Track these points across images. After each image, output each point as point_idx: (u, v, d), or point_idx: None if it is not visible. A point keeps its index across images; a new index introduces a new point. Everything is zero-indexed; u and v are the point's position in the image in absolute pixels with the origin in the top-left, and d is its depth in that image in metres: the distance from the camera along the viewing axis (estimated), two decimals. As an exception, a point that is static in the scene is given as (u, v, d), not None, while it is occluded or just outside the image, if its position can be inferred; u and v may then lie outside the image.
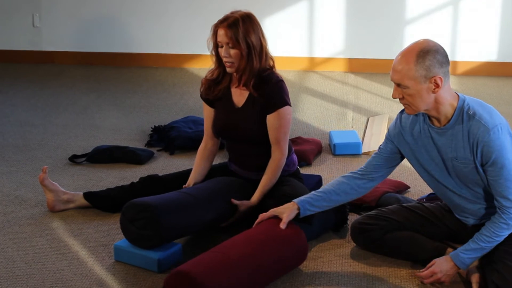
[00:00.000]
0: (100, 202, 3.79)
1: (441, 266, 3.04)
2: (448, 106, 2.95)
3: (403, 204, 3.45)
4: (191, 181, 3.62)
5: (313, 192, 3.24)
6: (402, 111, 3.16)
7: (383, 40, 6.50)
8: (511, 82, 6.19)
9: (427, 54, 2.86)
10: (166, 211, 3.21)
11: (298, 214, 3.17)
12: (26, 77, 6.45)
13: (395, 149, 3.21)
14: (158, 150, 4.69)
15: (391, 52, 6.49)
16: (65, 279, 3.15)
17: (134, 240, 3.23)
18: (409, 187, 4.07)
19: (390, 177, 4.20)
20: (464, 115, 2.94)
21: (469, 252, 3.01)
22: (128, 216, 3.22)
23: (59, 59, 6.83)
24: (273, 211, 3.18)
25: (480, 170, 2.98)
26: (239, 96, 3.60)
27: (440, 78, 2.87)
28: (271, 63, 3.59)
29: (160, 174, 3.81)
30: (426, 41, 2.91)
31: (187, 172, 3.72)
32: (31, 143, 4.82)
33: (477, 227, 3.11)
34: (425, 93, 2.88)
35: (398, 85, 2.91)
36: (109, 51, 6.80)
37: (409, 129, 3.11)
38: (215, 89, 3.61)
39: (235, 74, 3.56)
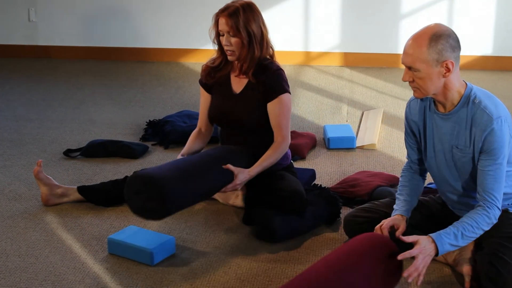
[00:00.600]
0: (94, 196, 3.80)
1: (425, 250, 2.86)
2: (455, 92, 2.97)
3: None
4: (184, 151, 3.66)
5: (402, 198, 3.18)
6: (410, 100, 3.19)
7: (378, 34, 6.50)
8: (506, 76, 6.20)
9: (439, 38, 2.87)
10: (171, 183, 3.19)
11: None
12: (22, 71, 6.45)
13: (414, 137, 3.21)
14: (152, 144, 4.70)
15: (387, 46, 6.51)
16: (58, 273, 3.17)
17: (139, 212, 3.21)
18: (402, 181, 4.07)
19: (384, 171, 4.23)
20: (469, 103, 2.96)
21: (450, 236, 2.89)
22: (133, 188, 3.19)
23: (55, 54, 6.83)
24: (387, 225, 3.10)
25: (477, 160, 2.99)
26: (238, 83, 3.64)
27: (451, 62, 2.89)
28: (271, 51, 3.63)
29: (154, 168, 3.83)
30: (439, 25, 2.93)
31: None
32: (26, 137, 4.83)
33: None
34: (435, 77, 2.90)
35: (409, 68, 2.93)
36: (105, 46, 6.80)
37: (417, 115, 3.13)
38: (215, 75, 3.66)
39: (236, 62, 3.59)
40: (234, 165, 3.45)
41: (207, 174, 3.36)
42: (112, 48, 6.79)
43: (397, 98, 5.65)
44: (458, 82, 2.96)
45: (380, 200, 3.44)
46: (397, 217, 3.13)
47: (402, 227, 3.11)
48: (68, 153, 4.50)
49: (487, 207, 2.94)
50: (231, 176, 3.42)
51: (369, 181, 3.93)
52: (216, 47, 3.62)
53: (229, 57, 3.56)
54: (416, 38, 2.92)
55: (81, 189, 3.82)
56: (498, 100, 3.01)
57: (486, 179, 2.95)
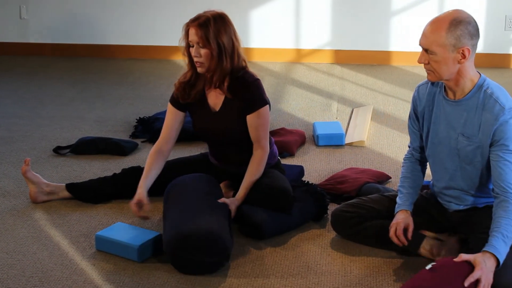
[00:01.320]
0: (82, 194, 3.81)
1: (487, 271, 2.78)
2: (468, 80, 3.00)
3: (384, 194, 3.48)
4: (142, 189, 3.45)
5: (405, 191, 3.22)
6: (419, 85, 3.22)
7: (369, 31, 6.52)
8: (496, 73, 6.22)
9: (459, 24, 2.90)
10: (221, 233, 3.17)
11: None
12: (13, 69, 6.45)
13: (418, 122, 3.24)
14: (142, 142, 4.70)
15: (378, 43, 6.53)
16: (45, 269, 3.18)
17: (197, 268, 3.14)
18: (390, 178, 4.10)
19: (372, 167, 4.25)
20: (482, 92, 2.99)
21: (500, 243, 2.83)
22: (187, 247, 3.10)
23: (46, 51, 6.83)
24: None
25: (484, 151, 3.01)
26: (215, 99, 3.59)
27: (468, 49, 2.92)
28: (244, 64, 3.56)
29: (143, 166, 3.82)
30: (460, 12, 2.96)
31: (169, 165, 3.72)
32: (16, 134, 4.83)
33: (458, 213, 3.17)
34: (450, 62, 2.93)
35: (426, 50, 2.95)
36: (97, 43, 6.80)
37: (426, 99, 3.16)
38: (190, 93, 3.57)
39: (206, 74, 3.55)
40: (218, 194, 3.48)
41: (221, 212, 3.35)
42: (103, 46, 6.79)
43: (387, 95, 5.67)
44: (472, 71, 3.00)
45: (368, 196, 3.46)
46: (403, 215, 3.16)
47: (411, 225, 3.15)
48: (58, 150, 4.50)
49: (510, 198, 2.93)
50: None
51: (357, 178, 3.95)
52: (186, 60, 3.55)
53: (198, 69, 3.47)
54: (436, 22, 2.94)
55: (69, 187, 3.82)
56: (508, 94, 3.05)
57: (503, 170, 2.95)
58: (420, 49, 3.00)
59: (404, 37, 6.47)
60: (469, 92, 3.00)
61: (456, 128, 3.06)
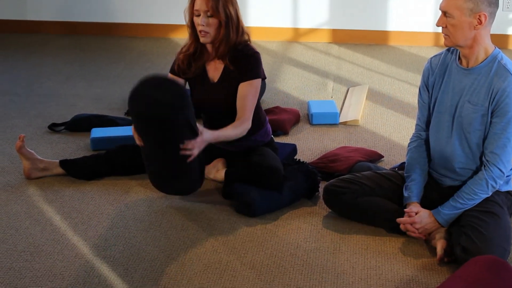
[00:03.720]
0: (75, 170, 3.83)
1: (422, 218, 3.14)
2: (482, 48, 3.06)
3: (378, 171, 3.50)
4: None
5: (417, 181, 3.27)
6: (432, 57, 3.29)
7: (367, 11, 6.50)
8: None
9: None
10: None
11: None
12: (10, 46, 6.45)
13: (428, 93, 3.29)
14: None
15: (375, 23, 6.51)
16: (37, 244, 3.21)
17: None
18: (382, 156, 4.11)
19: (366, 146, 4.26)
20: (495, 63, 3.05)
21: (448, 208, 3.13)
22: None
23: (44, 29, 6.83)
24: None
25: (486, 120, 3.07)
26: (214, 71, 3.62)
27: (484, 15, 2.99)
28: (246, 37, 3.60)
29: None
30: None
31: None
32: (12, 111, 4.85)
33: (452, 189, 3.20)
34: (466, 27, 2.99)
35: (444, 13, 3.01)
36: (95, 21, 6.80)
37: (438, 68, 3.21)
38: (193, 66, 3.59)
39: (211, 46, 3.57)
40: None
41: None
42: (102, 24, 6.79)
43: (383, 74, 5.67)
44: (488, 40, 3.07)
45: (362, 173, 3.48)
46: (416, 207, 3.19)
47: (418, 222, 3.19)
48: (53, 127, 4.52)
49: (486, 170, 3.08)
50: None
51: (349, 156, 3.96)
52: (189, 31, 3.56)
53: (201, 39, 3.49)
54: None
55: (63, 163, 3.85)
56: None
57: (495, 141, 3.06)
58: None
59: (402, 17, 6.45)
60: (483, 61, 3.07)
61: (464, 95, 3.11)
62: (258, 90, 3.58)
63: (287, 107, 4.81)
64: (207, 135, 3.35)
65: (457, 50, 3.16)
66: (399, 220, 3.18)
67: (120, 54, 6.25)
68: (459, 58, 3.15)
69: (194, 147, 3.24)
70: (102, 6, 6.75)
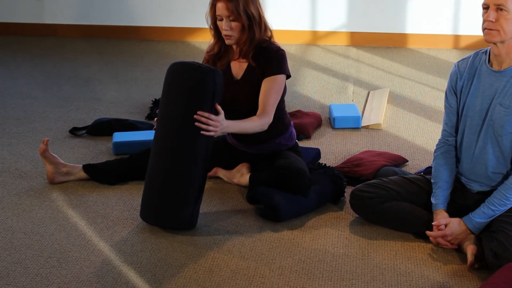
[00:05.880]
0: (99, 175, 3.81)
1: (452, 229, 3.11)
2: None
3: (405, 176, 3.47)
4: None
5: (444, 188, 3.23)
6: (459, 61, 3.25)
7: (385, 13, 6.47)
8: None
9: None
10: None
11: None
12: (27, 49, 6.45)
13: (455, 97, 3.26)
14: (155, 122, 4.67)
15: (394, 25, 6.48)
16: (64, 250, 3.19)
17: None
18: (407, 161, 4.08)
19: (389, 150, 4.23)
20: None
21: (480, 215, 3.09)
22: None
23: (61, 32, 6.82)
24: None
25: None
26: (238, 68, 3.61)
27: None
28: (269, 33, 3.59)
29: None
30: None
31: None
32: (32, 115, 4.84)
33: (481, 194, 3.17)
34: None
35: (497, 7, 2.96)
36: (112, 24, 6.78)
37: (467, 71, 3.18)
38: (218, 65, 3.60)
39: (235, 46, 3.56)
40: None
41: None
42: (118, 27, 6.77)
43: (403, 77, 5.64)
44: None
45: (388, 177, 3.44)
46: (444, 219, 3.15)
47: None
48: (74, 131, 4.51)
49: None
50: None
51: (374, 161, 3.93)
52: (212, 33, 3.57)
53: (227, 41, 3.50)
54: None
55: (86, 168, 3.83)
56: None
57: None
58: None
59: (420, 19, 6.42)
60: None
61: (496, 98, 3.08)
62: (281, 86, 3.55)
63: (309, 111, 4.78)
64: (225, 121, 3.32)
65: (487, 52, 3.12)
66: (428, 233, 3.14)
67: (137, 58, 6.23)
68: (489, 60, 3.11)
69: (211, 120, 3.22)
70: (119, 9, 6.74)
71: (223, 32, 3.49)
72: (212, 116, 3.24)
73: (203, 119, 3.21)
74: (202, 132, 3.22)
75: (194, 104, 3.24)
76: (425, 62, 6.02)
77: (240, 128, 3.46)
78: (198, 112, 3.21)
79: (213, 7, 3.50)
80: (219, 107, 3.29)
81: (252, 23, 3.47)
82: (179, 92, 3.29)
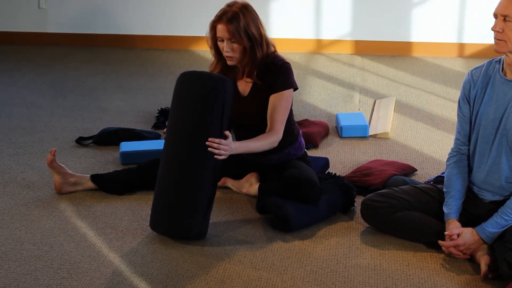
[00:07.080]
0: (107, 185, 3.79)
1: (465, 239, 3.08)
2: None
3: (415, 185, 3.45)
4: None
5: (456, 197, 3.21)
6: (472, 69, 3.23)
7: (390, 22, 6.46)
8: None
9: None
10: None
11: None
12: (31, 59, 6.43)
13: (469, 106, 3.25)
14: (164, 132, 4.64)
15: (398, 34, 6.47)
16: (73, 261, 3.16)
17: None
18: (416, 170, 4.06)
19: (397, 159, 4.21)
20: None
21: (493, 225, 3.07)
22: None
23: (65, 41, 6.80)
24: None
25: None
26: (244, 86, 3.59)
27: None
28: (273, 48, 3.56)
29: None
30: None
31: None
32: (38, 125, 4.82)
33: (493, 204, 3.15)
34: None
35: (504, 18, 2.96)
36: (115, 33, 6.77)
37: (480, 80, 3.16)
38: None
39: (238, 66, 3.54)
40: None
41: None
42: (123, 36, 6.76)
43: (409, 86, 5.62)
44: None
45: (399, 187, 3.42)
46: (457, 229, 3.13)
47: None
48: (80, 141, 4.49)
49: None
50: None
51: (383, 170, 3.91)
52: (212, 52, 3.54)
53: (228, 62, 3.48)
54: None
55: (94, 178, 3.80)
56: None
57: None
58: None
59: (425, 27, 6.41)
60: None
61: (509, 107, 3.06)
62: (289, 101, 3.53)
63: (316, 120, 4.76)
64: (232, 143, 3.32)
65: (500, 61, 3.11)
66: (441, 243, 3.12)
67: (142, 67, 6.21)
68: (502, 69, 3.10)
69: (221, 145, 3.22)
70: (123, 18, 6.73)
71: (225, 54, 3.46)
72: (223, 141, 3.24)
73: (214, 145, 3.21)
74: (215, 157, 3.23)
75: (204, 112, 3.23)
76: (430, 71, 6.01)
77: (248, 149, 3.46)
78: (209, 139, 3.21)
79: (213, 28, 3.47)
80: (227, 132, 3.29)
81: (254, 44, 3.44)
82: (189, 100, 3.27)
